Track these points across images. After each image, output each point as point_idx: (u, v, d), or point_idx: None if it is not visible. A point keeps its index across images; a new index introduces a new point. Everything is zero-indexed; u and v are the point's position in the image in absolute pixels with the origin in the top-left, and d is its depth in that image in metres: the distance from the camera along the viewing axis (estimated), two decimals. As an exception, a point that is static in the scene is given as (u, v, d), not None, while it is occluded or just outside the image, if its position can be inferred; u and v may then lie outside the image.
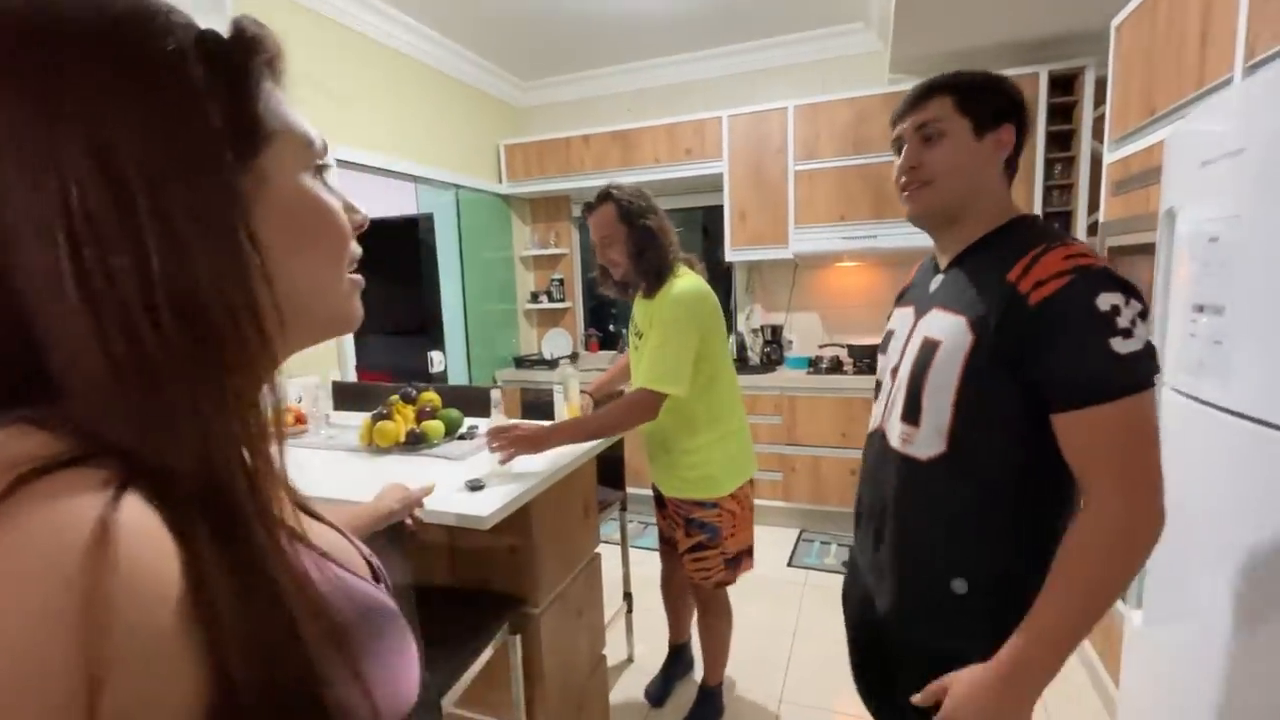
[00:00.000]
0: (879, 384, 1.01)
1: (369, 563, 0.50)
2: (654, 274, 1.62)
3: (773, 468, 3.21)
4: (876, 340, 3.64)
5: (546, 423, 1.57)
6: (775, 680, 2.10)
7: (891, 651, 0.95)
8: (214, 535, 0.29)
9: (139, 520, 0.27)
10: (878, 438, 0.97)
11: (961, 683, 0.78)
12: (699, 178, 3.44)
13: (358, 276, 0.43)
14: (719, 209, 3.45)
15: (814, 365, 3.33)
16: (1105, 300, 0.72)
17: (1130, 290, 0.74)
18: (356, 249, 0.42)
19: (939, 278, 0.92)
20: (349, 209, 0.41)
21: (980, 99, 0.85)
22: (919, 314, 0.92)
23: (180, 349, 0.29)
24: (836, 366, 3.27)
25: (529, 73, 3.83)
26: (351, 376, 2.77)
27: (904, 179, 0.89)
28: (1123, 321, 0.71)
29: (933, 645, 0.87)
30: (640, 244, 1.60)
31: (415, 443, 1.64)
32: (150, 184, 0.28)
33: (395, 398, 1.74)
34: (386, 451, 1.64)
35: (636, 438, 1.84)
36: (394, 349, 3.83)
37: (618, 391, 2.14)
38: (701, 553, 1.73)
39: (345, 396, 2.43)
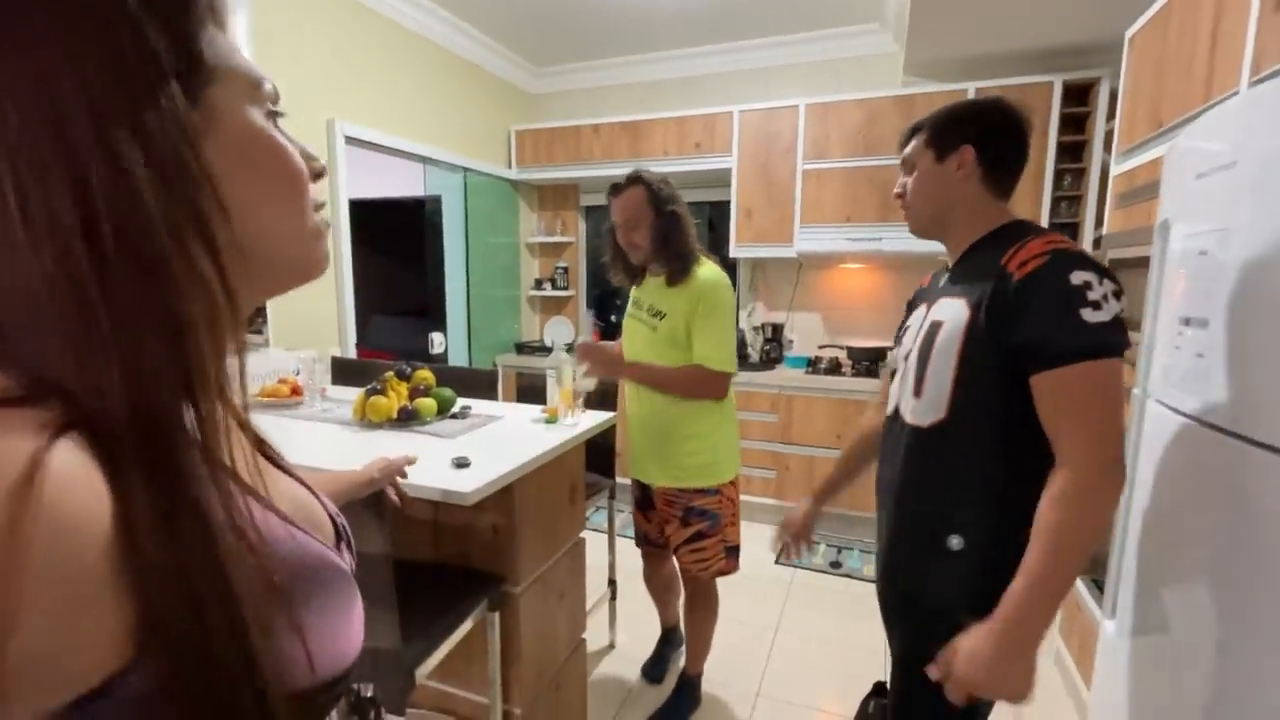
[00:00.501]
0: (894, 372, 1.13)
1: (335, 523, 0.50)
2: (679, 259, 1.66)
3: (766, 465, 3.23)
4: (878, 343, 3.65)
5: (614, 354, 1.78)
6: (754, 675, 2.12)
7: (893, 604, 1.09)
8: (149, 481, 0.29)
9: (70, 462, 0.26)
10: (894, 418, 1.08)
11: (964, 645, 0.86)
12: (707, 172, 3.43)
13: (323, 217, 0.42)
14: (725, 204, 3.44)
15: (813, 365, 3.33)
16: (1078, 276, 0.83)
17: (1104, 272, 0.84)
18: (320, 193, 0.42)
19: (947, 275, 1.06)
20: (306, 156, 0.40)
21: (943, 132, 1.01)
22: (929, 305, 1.05)
23: (124, 280, 0.28)
24: (835, 368, 3.27)
25: (543, 59, 3.83)
26: (352, 353, 2.80)
27: (899, 202, 1.09)
28: (1093, 295, 0.82)
29: (929, 597, 0.99)
30: (667, 229, 1.65)
31: (407, 419, 1.66)
32: (91, 110, 0.28)
33: (390, 374, 1.75)
34: (378, 426, 1.66)
35: (625, 429, 1.86)
36: (396, 329, 3.85)
37: (612, 381, 2.15)
38: (700, 543, 1.75)
39: (344, 372, 2.45)
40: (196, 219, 0.31)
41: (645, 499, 1.88)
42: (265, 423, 0.46)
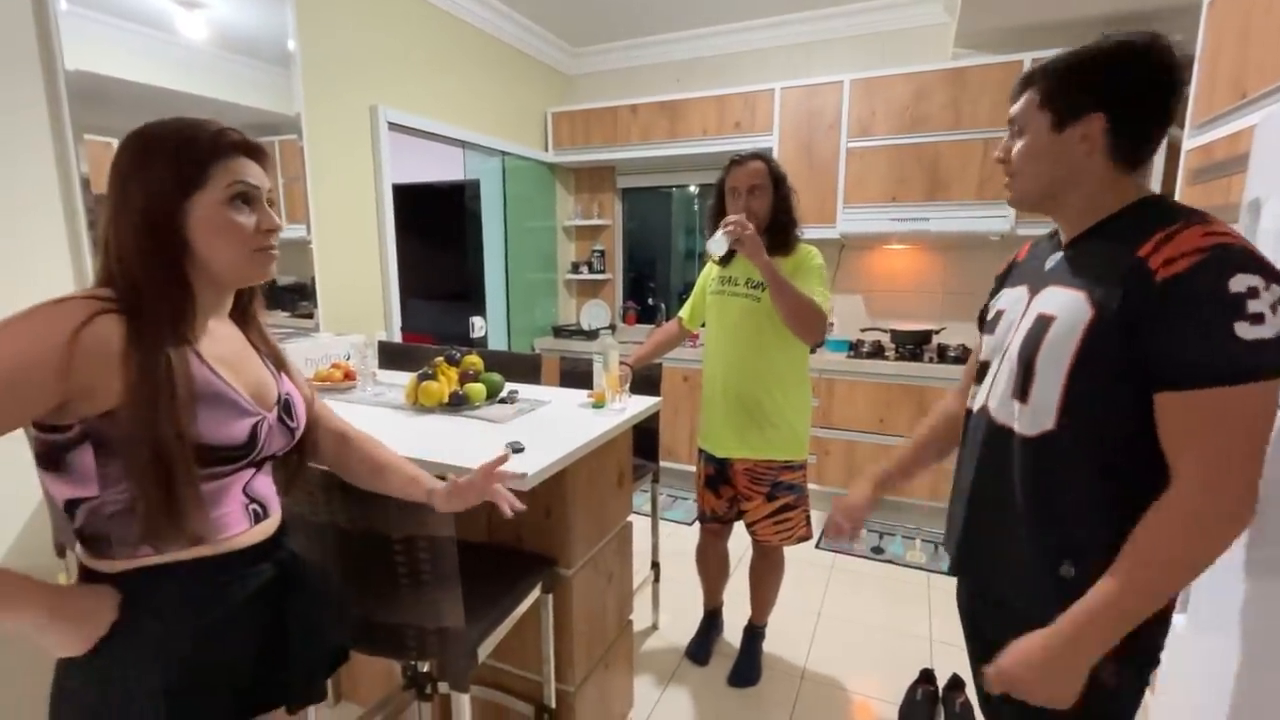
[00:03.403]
0: (984, 364, 0.98)
1: (280, 398, 0.87)
2: (787, 233, 1.79)
3: (806, 449, 3.20)
4: (923, 325, 3.56)
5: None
6: (798, 657, 2.13)
7: (988, 618, 0.98)
8: (141, 336, 0.70)
9: (111, 320, 0.69)
10: (981, 418, 0.95)
11: (1019, 643, 0.80)
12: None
13: (262, 253, 0.80)
14: (766, 185, 3.38)
15: (854, 349, 3.27)
16: (1241, 281, 0.68)
17: (1274, 274, 0.69)
18: (262, 240, 0.79)
19: (1057, 256, 0.89)
20: (262, 218, 0.79)
21: (1064, 92, 0.82)
22: (1033, 291, 0.90)
23: (146, 271, 0.73)
24: (878, 351, 3.21)
25: (579, 39, 3.79)
26: (397, 337, 2.85)
27: (1003, 168, 0.93)
28: (1256, 306, 0.67)
29: (1034, 623, 0.83)
30: (784, 205, 1.79)
31: (457, 404, 1.68)
32: (137, 199, 0.73)
33: (440, 359, 1.78)
34: (430, 411, 1.69)
35: (698, 402, 1.93)
36: (437, 313, 3.90)
37: (656, 365, 2.15)
38: (786, 514, 1.86)
39: (389, 356, 2.50)
40: (169, 252, 0.75)
41: (720, 474, 1.93)
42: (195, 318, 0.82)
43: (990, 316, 1.00)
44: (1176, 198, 1.87)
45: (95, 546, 0.74)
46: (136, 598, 0.74)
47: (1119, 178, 0.83)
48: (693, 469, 2.55)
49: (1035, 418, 0.83)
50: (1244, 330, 0.67)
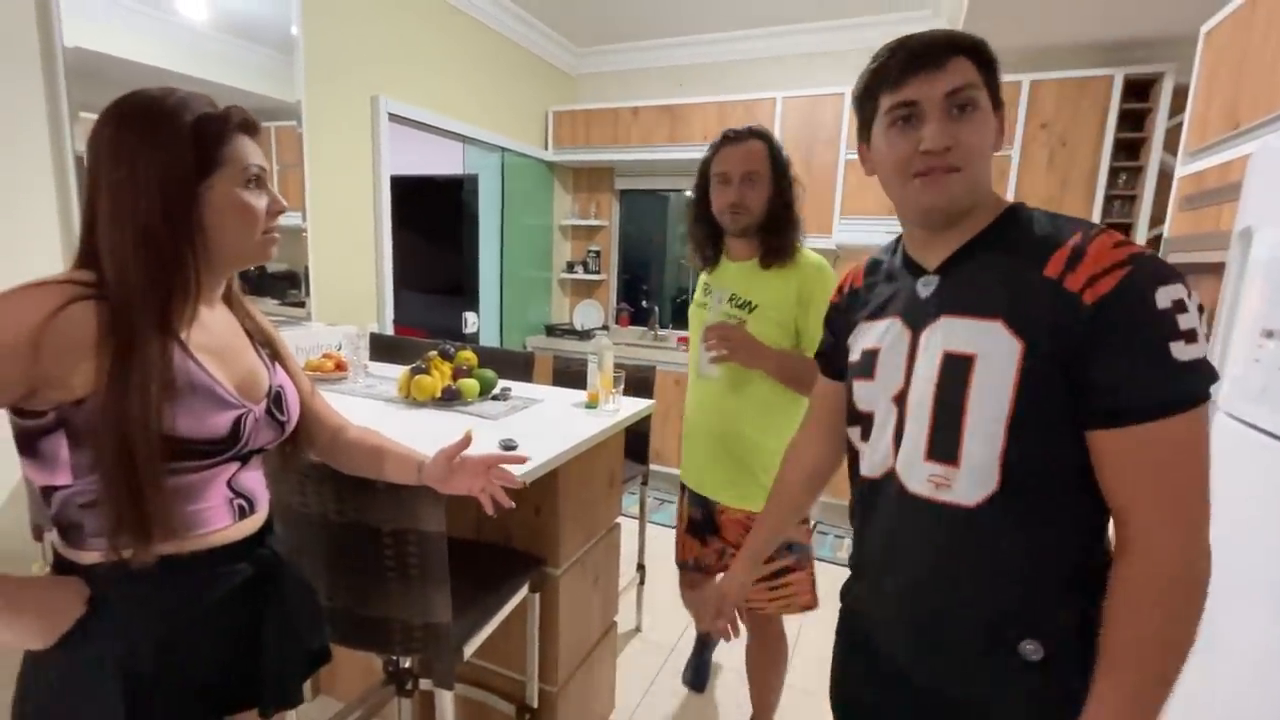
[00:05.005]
0: (865, 417, 0.81)
1: (271, 390, 0.84)
2: (789, 234, 1.41)
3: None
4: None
5: (750, 335, 1.36)
6: (779, 665, 2.13)
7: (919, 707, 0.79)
8: (119, 324, 0.67)
9: (88, 306, 0.66)
10: (889, 489, 0.78)
11: None
12: (746, 159, 3.38)
13: (269, 235, 0.79)
14: (764, 193, 3.39)
15: (845, 359, 3.29)
16: (1165, 295, 0.60)
17: (1186, 280, 0.63)
18: (276, 218, 0.80)
19: (930, 281, 0.75)
20: (272, 200, 0.79)
21: (995, 69, 0.71)
22: (915, 325, 0.75)
23: (146, 257, 0.69)
24: (868, 362, 3.23)
25: (584, 39, 3.79)
26: (389, 330, 2.83)
27: (927, 162, 0.69)
28: (1186, 321, 0.60)
29: (997, 716, 0.73)
30: (784, 198, 1.40)
31: (450, 399, 1.67)
32: (150, 183, 0.69)
33: (434, 354, 1.77)
34: (422, 405, 1.67)
35: (673, 431, 1.81)
36: (430, 306, 3.88)
37: (649, 367, 2.14)
38: (785, 578, 1.46)
39: (381, 348, 2.48)
40: (181, 235, 0.71)
41: (707, 521, 1.55)
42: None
43: (856, 358, 0.84)
44: (1167, 224, 1.90)
45: (69, 535, 0.72)
46: (105, 591, 0.71)
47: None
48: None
49: (973, 481, 0.69)
50: (1180, 350, 0.60)
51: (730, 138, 1.42)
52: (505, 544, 1.51)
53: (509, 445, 1.33)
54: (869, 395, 0.80)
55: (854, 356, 0.84)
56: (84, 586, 0.71)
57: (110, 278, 0.67)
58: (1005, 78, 2.37)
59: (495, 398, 1.77)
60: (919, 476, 0.73)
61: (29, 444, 0.69)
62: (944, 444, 0.71)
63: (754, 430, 1.43)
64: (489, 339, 3.65)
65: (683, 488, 1.61)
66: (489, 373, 1.78)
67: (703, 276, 1.57)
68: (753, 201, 1.39)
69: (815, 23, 3.33)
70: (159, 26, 1.84)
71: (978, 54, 0.70)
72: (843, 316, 0.90)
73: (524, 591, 1.39)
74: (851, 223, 3.15)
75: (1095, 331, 0.62)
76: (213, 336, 0.79)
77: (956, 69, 0.68)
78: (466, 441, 0.98)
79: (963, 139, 0.68)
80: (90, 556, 0.72)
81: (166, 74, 1.85)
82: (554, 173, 4.03)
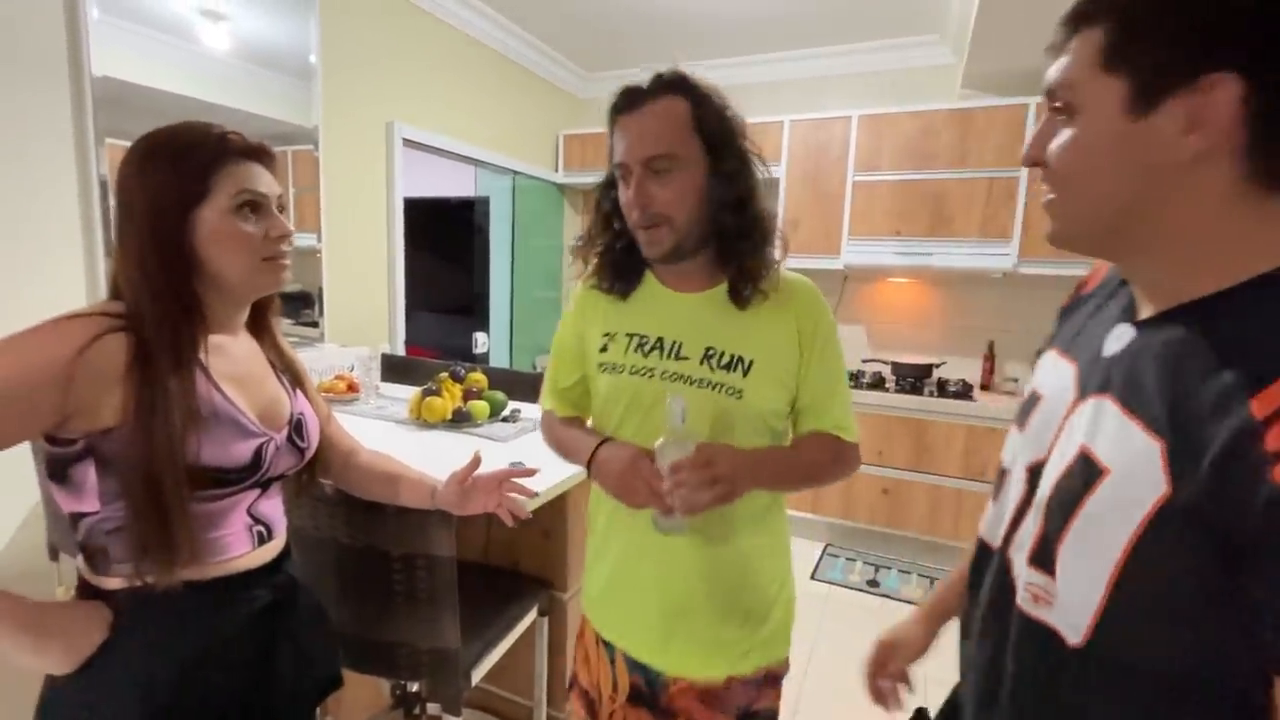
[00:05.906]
0: (1003, 472, 0.64)
1: (292, 418, 0.85)
2: (759, 247, 0.93)
3: (803, 478, 3.19)
4: (923, 359, 3.52)
5: (738, 451, 0.85)
6: (789, 692, 2.09)
7: None
8: (145, 356, 0.69)
9: (120, 338, 0.68)
10: (994, 560, 0.62)
11: None
12: (754, 181, 3.42)
13: (272, 261, 0.78)
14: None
15: (855, 379, 3.28)
16: None
17: None
18: (272, 248, 0.78)
19: (1127, 333, 0.53)
20: (270, 228, 0.77)
21: (1151, 38, 0.45)
22: (1083, 387, 0.55)
23: (150, 290, 0.71)
24: (879, 383, 3.22)
25: (592, 64, 3.86)
26: (401, 350, 2.86)
27: (1041, 173, 0.54)
28: None
29: None
30: (738, 189, 0.90)
31: (461, 421, 1.69)
32: (141, 209, 0.72)
33: (445, 375, 1.79)
34: (433, 427, 1.69)
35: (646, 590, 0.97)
36: (440, 326, 3.92)
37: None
38: None
39: (393, 369, 2.50)
40: (174, 265, 0.73)
41: (653, 695, 0.98)
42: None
43: (1028, 394, 0.64)
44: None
45: (95, 561, 0.73)
46: (128, 617, 0.72)
47: (1245, 215, 0.46)
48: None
49: (1068, 617, 0.51)
50: None
51: (627, 99, 0.91)
52: (513, 568, 1.51)
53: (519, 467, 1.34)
54: (1012, 449, 0.63)
55: (1025, 391, 0.66)
56: (108, 611, 0.72)
57: (130, 309, 0.71)
58: (1010, 100, 2.32)
59: (505, 419, 1.78)
60: (1021, 575, 0.56)
61: (60, 471, 0.70)
62: (1042, 554, 0.54)
63: (749, 565, 0.96)
64: (499, 359, 3.67)
65: (602, 642, 1.02)
66: (499, 395, 1.80)
67: (599, 307, 1.00)
68: (666, 201, 0.86)
69: (821, 47, 3.38)
70: (184, 56, 1.90)
71: (1102, 21, 0.48)
72: (1059, 324, 0.68)
73: (532, 615, 1.39)
74: (859, 243, 3.16)
75: (1270, 528, 0.40)
76: (236, 364, 0.80)
77: (1069, 55, 0.50)
78: (476, 463, 0.99)
79: (1051, 151, 0.53)
80: (114, 582, 0.73)
81: (190, 101, 1.90)
82: (564, 194, 4.08)
